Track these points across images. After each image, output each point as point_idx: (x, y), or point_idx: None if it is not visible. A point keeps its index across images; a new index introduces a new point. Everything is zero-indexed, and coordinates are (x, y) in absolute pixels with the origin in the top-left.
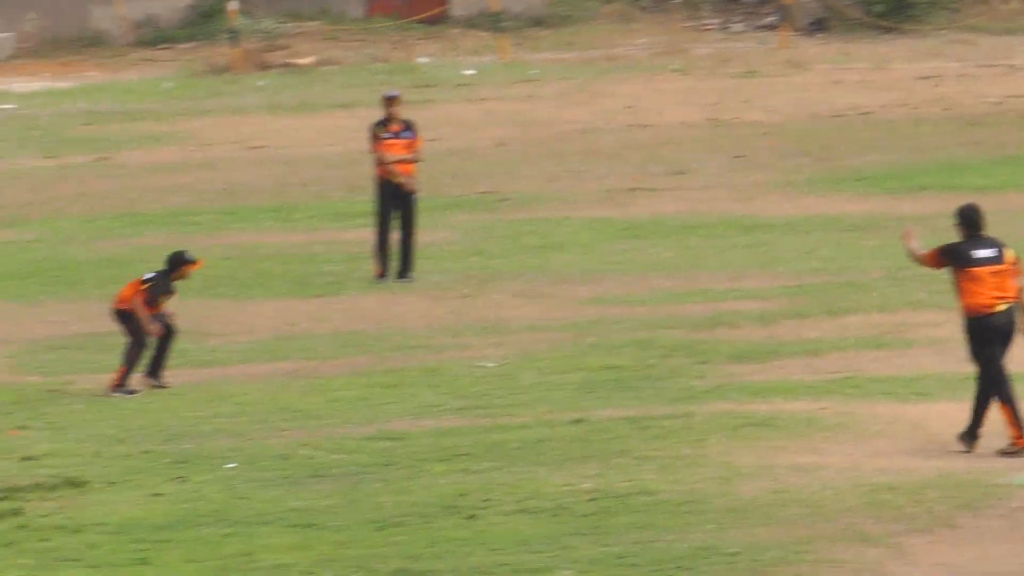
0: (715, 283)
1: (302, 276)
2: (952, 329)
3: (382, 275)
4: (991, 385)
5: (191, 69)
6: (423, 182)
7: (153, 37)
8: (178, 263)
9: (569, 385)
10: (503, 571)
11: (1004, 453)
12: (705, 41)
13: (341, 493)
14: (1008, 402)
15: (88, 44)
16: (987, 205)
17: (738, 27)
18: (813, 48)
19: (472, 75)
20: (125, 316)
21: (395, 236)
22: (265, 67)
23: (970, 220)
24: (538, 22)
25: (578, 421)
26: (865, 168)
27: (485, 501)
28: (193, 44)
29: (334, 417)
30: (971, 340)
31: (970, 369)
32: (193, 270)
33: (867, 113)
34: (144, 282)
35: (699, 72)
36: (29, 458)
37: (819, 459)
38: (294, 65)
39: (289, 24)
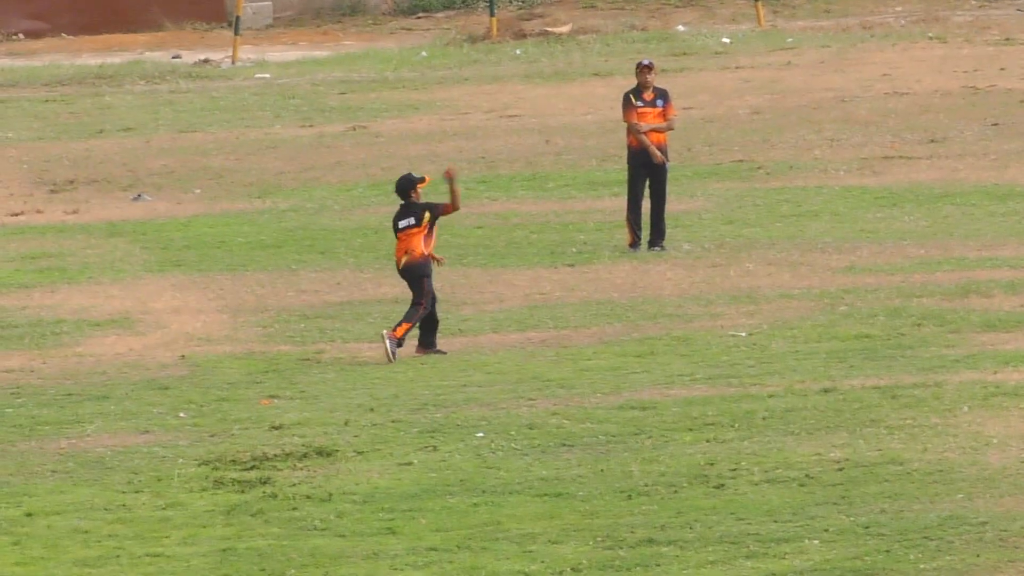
0: (968, 252)
1: (554, 245)
2: None
3: (634, 244)
4: None
5: (448, 38)
6: (678, 151)
7: (410, 6)
8: (409, 187)
9: (820, 354)
10: (750, 541)
11: None
12: (962, 9)
13: (589, 462)
14: None
15: (346, 13)
16: None
17: None
18: None
19: (728, 43)
20: (408, 273)
21: (647, 205)
22: (522, 36)
23: None
24: None
25: (828, 390)
26: None
27: (733, 470)
28: (450, 13)
29: (583, 386)
30: None
31: None
32: (423, 187)
33: None
34: (407, 229)
35: (956, 40)
36: (279, 427)
37: None
38: (551, 33)
39: None
